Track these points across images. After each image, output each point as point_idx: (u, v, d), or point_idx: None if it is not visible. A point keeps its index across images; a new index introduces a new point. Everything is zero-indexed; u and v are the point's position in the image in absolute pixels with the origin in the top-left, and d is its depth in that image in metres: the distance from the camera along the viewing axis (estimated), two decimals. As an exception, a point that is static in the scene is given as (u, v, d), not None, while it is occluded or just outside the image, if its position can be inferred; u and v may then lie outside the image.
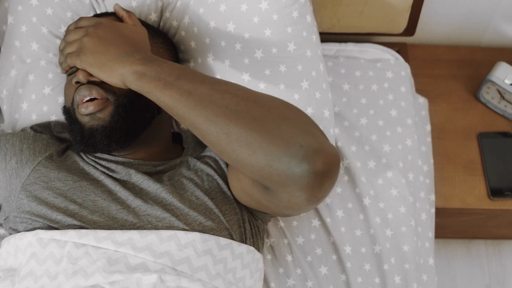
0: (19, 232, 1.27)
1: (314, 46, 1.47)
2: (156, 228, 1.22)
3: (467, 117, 1.86)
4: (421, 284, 1.51)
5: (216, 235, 1.23)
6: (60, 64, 1.32)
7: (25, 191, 1.29)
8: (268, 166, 1.04)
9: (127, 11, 1.34)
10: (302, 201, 1.07)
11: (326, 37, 1.83)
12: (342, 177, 1.56)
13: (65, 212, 1.25)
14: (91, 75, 1.26)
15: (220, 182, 1.30)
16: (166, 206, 1.25)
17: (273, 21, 1.43)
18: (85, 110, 1.26)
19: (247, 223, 1.30)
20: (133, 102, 1.28)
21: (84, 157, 1.34)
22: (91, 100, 1.27)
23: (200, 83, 1.12)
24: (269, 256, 1.47)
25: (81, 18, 1.31)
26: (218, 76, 1.45)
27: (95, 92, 1.26)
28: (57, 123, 1.45)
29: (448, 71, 1.93)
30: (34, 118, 1.45)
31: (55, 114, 1.46)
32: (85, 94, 1.26)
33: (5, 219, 1.33)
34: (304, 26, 1.46)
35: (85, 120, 1.28)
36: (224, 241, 1.23)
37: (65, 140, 1.41)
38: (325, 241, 1.50)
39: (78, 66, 1.25)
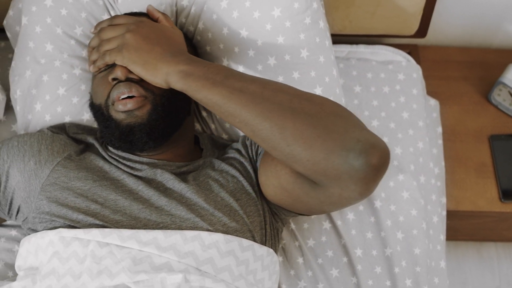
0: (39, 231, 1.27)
1: (327, 52, 1.49)
2: (180, 228, 1.23)
3: (478, 119, 1.87)
4: (432, 287, 1.52)
5: (240, 236, 1.25)
6: (93, 61, 1.32)
7: (44, 191, 1.29)
8: (324, 160, 1.07)
9: (163, 13, 1.35)
10: (355, 194, 1.11)
11: (337, 38, 1.83)
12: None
13: (87, 212, 1.25)
14: (130, 72, 1.27)
15: (245, 183, 1.32)
16: (191, 206, 1.26)
17: (285, 28, 1.44)
18: (123, 107, 1.27)
19: (268, 225, 1.32)
20: (171, 101, 1.30)
21: (106, 156, 1.35)
22: (129, 97, 1.27)
23: (250, 82, 1.15)
24: (280, 258, 1.47)
25: (116, 16, 1.32)
26: None
27: (135, 90, 1.27)
28: (71, 124, 1.46)
29: (459, 73, 1.94)
30: (48, 119, 1.47)
31: (69, 115, 1.47)
32: (124, 91, 1.27)
33: (24, 220, 1.34)
34: (317, 32, 1.47)
35: (121, 117, 1.28)
36: (246, 242, 1.25)
37: (80, 141, 1.42)
38: (336, 243, 1.51)
39: (119, 63, 1.25)
